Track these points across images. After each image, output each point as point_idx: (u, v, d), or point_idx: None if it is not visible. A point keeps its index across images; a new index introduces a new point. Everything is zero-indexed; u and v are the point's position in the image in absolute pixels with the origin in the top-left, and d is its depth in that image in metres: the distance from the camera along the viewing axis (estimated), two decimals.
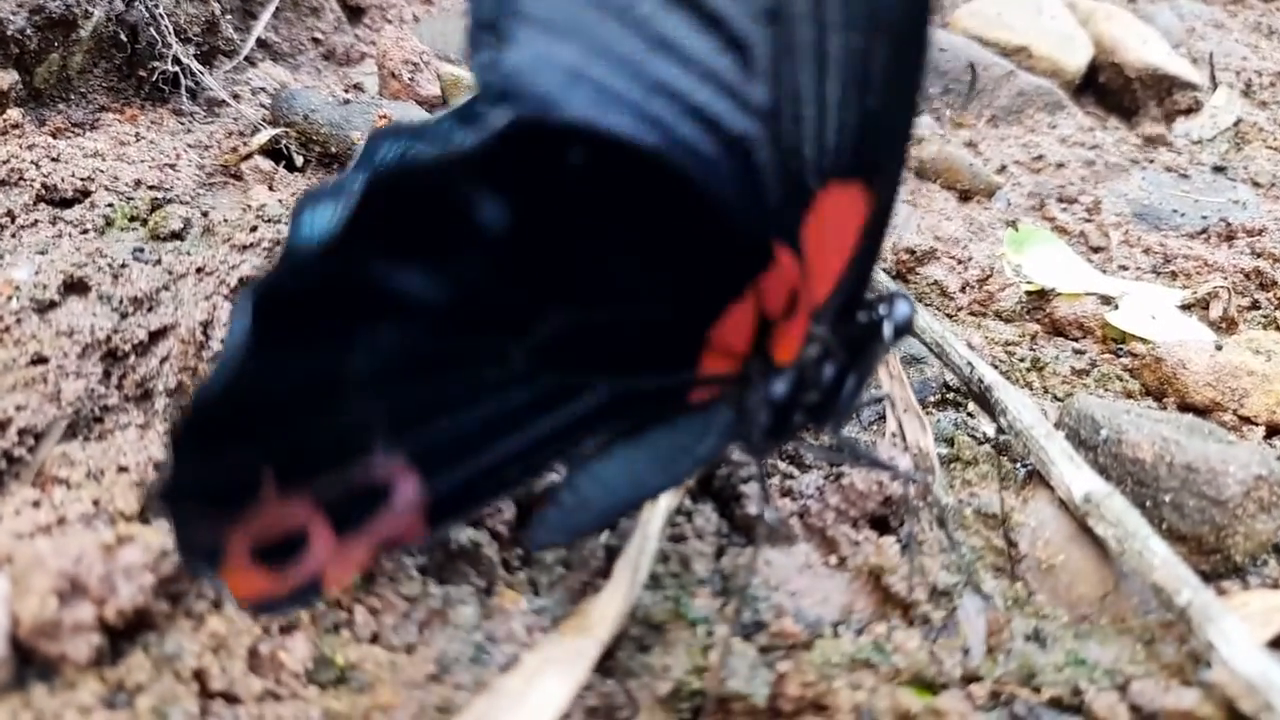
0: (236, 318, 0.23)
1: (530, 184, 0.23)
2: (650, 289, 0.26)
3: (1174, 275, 0.62)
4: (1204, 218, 0.69)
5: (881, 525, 0.38)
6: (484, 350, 0.25)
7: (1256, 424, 0.47)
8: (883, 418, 0.44)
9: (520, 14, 0.25)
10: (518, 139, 0.22)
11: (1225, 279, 0.60)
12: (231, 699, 0.29)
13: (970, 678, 0.33)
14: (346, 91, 0.63)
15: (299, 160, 0.56)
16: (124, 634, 0.30)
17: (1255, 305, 0.60)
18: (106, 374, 0.39)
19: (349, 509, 0.27)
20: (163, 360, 0.40)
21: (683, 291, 0.26)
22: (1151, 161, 0.77)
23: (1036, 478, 0.40)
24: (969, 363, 0.45)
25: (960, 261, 0.59)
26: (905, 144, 0.25)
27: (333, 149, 0.55)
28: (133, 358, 0.39)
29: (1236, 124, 0.83)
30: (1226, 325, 0.57)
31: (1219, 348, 0.50)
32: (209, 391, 0.24)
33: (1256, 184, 0.75)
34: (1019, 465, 0.42)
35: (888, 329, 0.29)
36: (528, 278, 0.24)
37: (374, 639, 0.32)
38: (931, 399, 0.47)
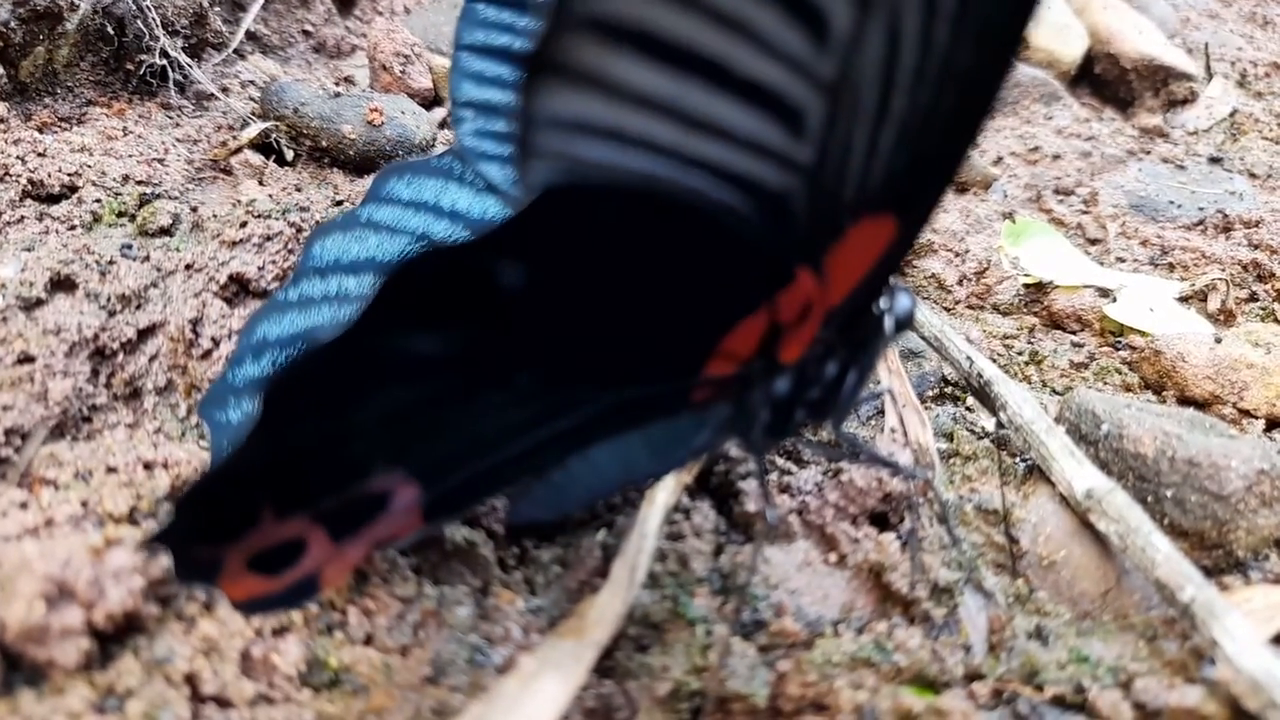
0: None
1: (557, 246, 0.22)
2: (665, 315, 0.25)
3: (1171, 267, 0.62)
4: (1201, 209, 0.69)
5: (881, 522, 0.38)
6: (492, 381, 0.25)
7: (1256, 417, 0.47)
8: (881, 413, 0.44)
9: (547, 120, 0.23)
10: (546, 207, 0.21)
11: (1223, 271, 0.60)
12: (224, 703, 0.29)
13: (972, 676, 0.33)
14: (337, 84, 0.63)
15: (289, 154, 0.55)
16: (113, 638, 0.29)
17: (1253, 297, 0.59)
18: (94, 373, 0.38)
19: (346, 519, 0.26)
20: (151, 358, 0.39)
21: (698, 315, 0.25)
22: (1148, 153, 0.77)
23: (1037, 473, 0.40)
24: (968, 357, 0.44)
25: (957, 254, 0.59)
26: (950, 178, 0.24)
27: (323, 143, 0.55)
28: (121, 356, 0.39)
29: (1232, 115, 0.83)
30: (1225, 318, 0.57)
31: (1218, 340, 0.50)
32: (215, 474, 0.24)
33: (1253, 175, 0.75)
34: (1019, 460, 0.41)
35: (889, 323, 0.28)
36: (546, 321, 0.24)
37: (368, 641, 0.32)
38: (930, 393, 0.47)
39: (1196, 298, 0.58)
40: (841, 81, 0.22)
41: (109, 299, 0.40)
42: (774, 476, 0.39)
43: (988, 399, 0.43)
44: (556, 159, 0.22)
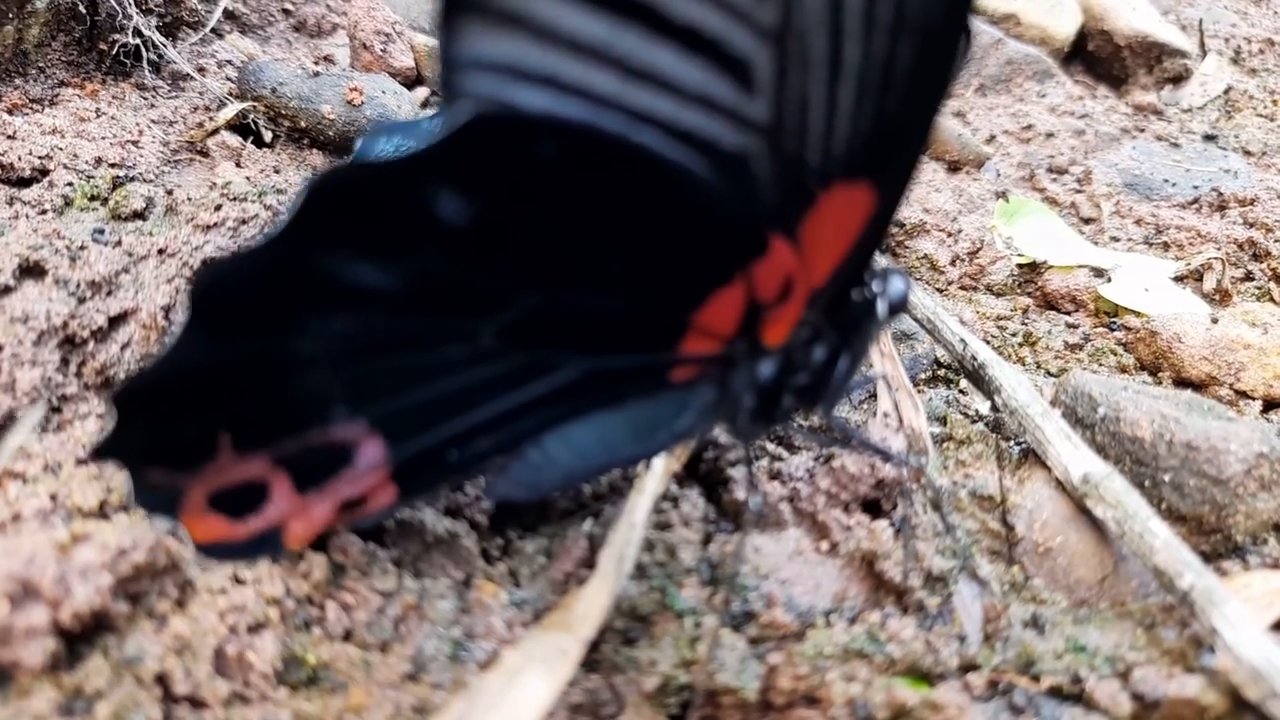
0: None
1: (496, 178, 0.22)
2: (626, 273, 0.24)
3: (1166, 246, 0.61)
4: (1195, 187, 0.68)
5: (874, 509, 0.37)
6: (448, 330, 0.24)
7: (1253, 398, 0.46)
8: (873, 396, 0.43)
9: (470, 62, 0.22)
10: (482, 135, 0.21)
11: (1218, 250, 0.59)
12: (197, 703, 0.28)
13: (967, 667, 0.32)
14: (317, 64, 0.61)
15: (267, 135, 0.54)
16: (81, 637, 0.28)
17: (1249, 276, 0.59)
18: (64, 361, 0.37)
19: (309, 468, 0.26)
20: (123, 346, 0.38)
21: (662, 277, 0.24)
22: (1142, 130, 0.76)
23: (1032, 457, 0.39)
24: (962, 339, 0.44)
25: (950, 234, 0.58)
26: (924, 141, 0.23)
27: (302, 123, 0.53)
28: (92, 344, 0.38)
29: (1226, 92, 0.82)
30: (1220, 297, 0.56)
31: (1214, 321, 0.49)
32: (148, 370, 0.23)
33: (1248, 152, 0.74)
34: (1014, 444, 0.41)
35: (882, 307, 0.27)
36: (494, 265, 0.23)
37: (347, 636, 0.31)
38: (922, 376, 0.46)
39: (1192, 277, 0.57)
40: (785, 28, 0.21)
41: (79, 285, 0.39)
42: (764, 463, 0.38)
43: (982, 382, 0.42)
44: (484, 104, 0.22)
